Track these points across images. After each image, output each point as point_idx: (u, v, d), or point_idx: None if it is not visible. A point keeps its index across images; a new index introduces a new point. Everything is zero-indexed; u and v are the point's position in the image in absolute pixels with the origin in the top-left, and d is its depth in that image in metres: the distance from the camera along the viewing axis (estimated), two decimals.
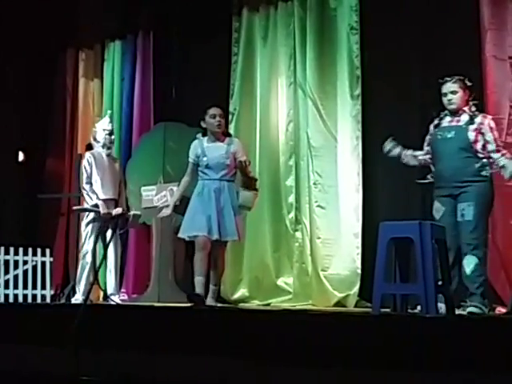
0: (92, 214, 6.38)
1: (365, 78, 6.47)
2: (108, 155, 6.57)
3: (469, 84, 4.89)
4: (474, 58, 5.64)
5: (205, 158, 5.40)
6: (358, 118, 6.45)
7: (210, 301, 5.39)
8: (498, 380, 3.16)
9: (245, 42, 7.29)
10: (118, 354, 4.27)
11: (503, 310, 4.84)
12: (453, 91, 4.89)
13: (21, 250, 7.81)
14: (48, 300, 7.62)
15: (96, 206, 6.36)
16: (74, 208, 6.77)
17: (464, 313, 4.59)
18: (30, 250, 7.85)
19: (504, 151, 4.79)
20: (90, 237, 6.36)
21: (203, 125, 5.49)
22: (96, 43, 8.54)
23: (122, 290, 7.68)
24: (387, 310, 4.55)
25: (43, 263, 7.78)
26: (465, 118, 4.85)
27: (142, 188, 7.33)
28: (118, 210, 6.43)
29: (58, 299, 7.44)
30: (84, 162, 6.52)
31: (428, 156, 5.03)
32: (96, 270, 6.14)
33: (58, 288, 7.81)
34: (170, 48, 8.04)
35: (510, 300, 4.70)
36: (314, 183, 6.60)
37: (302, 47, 6.83)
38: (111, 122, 6.77)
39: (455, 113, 4.88)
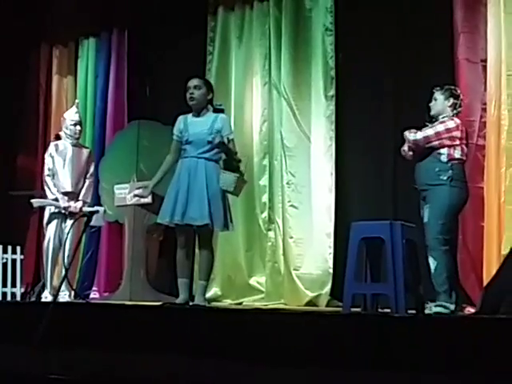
0: (52, 208, 6.31)
1: (339, 78, 6.50)
2: (74, 145, 6.47)
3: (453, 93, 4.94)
4: (447, 60, 5.69)
5: (186, 134, 5.01)
6: (331, 118, 6.48)
7: (198, 299, 5.01)
8: (466, 379, 3.19)
9: (220, 41, 7.28)
10: (87, 352, 4.25)
11: (472, 310, 4.89)
12: (432, 98, 4.95)
13: None
14: (18, 298, 7.54)
15: (56, 199, 6.29)
16: (33, 201, 6.54)
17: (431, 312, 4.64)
18: (1, 247, 7.76)
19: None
20: (51, 231, 6.30)
21: None
22: (70, 40, 8.47)
23: (94, 288, 7.65)
24: (358, 309, 4.58)
25: (14, 261, 7.70)
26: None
27: (115, 186, 7.28)
28: (77, 206, 6.34)
29: (28, 297, 7.36)
30: (46, 155, 6.45)
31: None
32: (66, 267, 6.08)
33: (28, 286, 7.73)
34: (145, 46, 8.00)
35: (479, 300, 4.75)
36: (288, 183, 6.62)
37: (277, 47, 6.84)
38: (78, 112, 6.65)
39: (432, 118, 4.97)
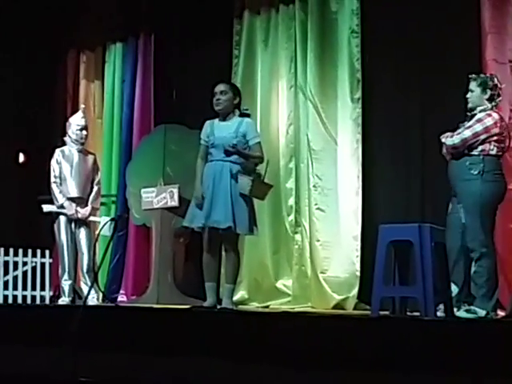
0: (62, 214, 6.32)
1: (365, 81, 6.48)
2: (80, 151, 6.47)
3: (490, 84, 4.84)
4: (475, 61, 5.65)
5: (212, 137, 5.04)
6: (358, 121, 6.46)
7: (226, 302, 5.04)
8: (496, 382, 3.16)
9: (246, 44, 7.30)
10: (116, 355, 4.27)
11: (502, 314, 4.83)
12: (468, 89, 4.87)
13: (20, 251, 7.82)
14: (47, 301, 7.61)
15: (62, 206, 6.29)
16: (44, 206, 6.50)
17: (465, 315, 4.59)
18: (30, 251, 7.86)
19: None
20: (61, 237, 6.32)
21: None
22: (97, 45, 8.54)
23: (121, 291, 7.69)
24: (386, 312, 4.55)
25: (42, 264, 7.79)
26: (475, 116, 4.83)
27: (142, 190, 7.32)
28: (85, 213, 6.35)
29: (57, 300, 7.43)
30: (52, 161, 6.43)
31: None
32: (95, 271, 6.13)
33: (57, 289, 7.79)
34: (171, 50, 8.05)
35: (509, 303, 4.70)
36: (314, 186, 6.60)
37: (303, 50, 6.84)
38: (84, 117, 6.63)
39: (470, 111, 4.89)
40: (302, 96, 6.80)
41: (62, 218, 6.32)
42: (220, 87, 5.12)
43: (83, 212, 6.35)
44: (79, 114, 6.67)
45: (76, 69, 8.72)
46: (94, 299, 6.33)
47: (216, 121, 5.17)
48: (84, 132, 6.49)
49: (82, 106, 7.05)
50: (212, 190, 4.95)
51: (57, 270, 7.97)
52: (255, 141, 5.07)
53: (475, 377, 3.22)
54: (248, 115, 5.18)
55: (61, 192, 6.32)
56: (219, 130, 5.07)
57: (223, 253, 5.18)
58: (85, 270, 6.29)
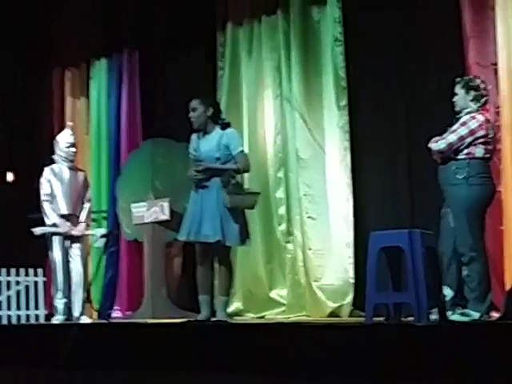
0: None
1: (351, 88, 6.51)
2: (70, 168, 6.45)
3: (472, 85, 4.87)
4: (458, 65, 5.69)
5: (198, 152, 5.06)
6: (345, 128, 6.49)
7: (220, 314, 5.07)
8: None
9: (230, 56, 7.31)
10: (112, 372, 4.26)
11: (496, 316, 4.85)
12: (454, 93, 4.90)
13: (13, 270, 7.78)
14: (42, 320, 7.58)
15: (55, 224, 6.26)
16: (35, 230, 6.41)
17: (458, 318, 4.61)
18: (23, 270, 7.83)
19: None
20: (54, 255, 6.29)
21: None
22: (82, 62, 8.55)
23: (116, 307, 7.68)
24: (381, 318, 4.56)
25: (36, 283, 7.75)
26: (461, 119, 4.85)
27: (132, 205, 7.32)
28: (80, 230, 6.34)
29: (51, 319, 7.40)
30: (42, 179, 6.38)
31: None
32: (87, 288, 6.11)
33: (51, 308, 7.77)
34: (156, 64, 8.06)
35: (503, 305, 4.72)
36: (304, 194, 6.62)
37: (287, 60, 6.86)
38: (72, 134, 6.60)
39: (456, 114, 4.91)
40: (288, 105, 6.83)
41: (56, 237, 6.29)
42: (190, 105, 5.13)
43: (78, 229, 6.33)
44: (67, 131, 6.65)
45: (61, 86, 8.73)
46: (86, 318, 6.29)
47: (201, 134, 5.18)
48: (73, 149, 6.47)
49: (69, 123, 7.03)
50: (201, 205, 4.98)
51: (50, 288, 7.97)
52: (238, 150, 5.08)
53: (471, 380, 3.23)
54: (228, 124, 5.16)
55: (53, 210, 6.30)
56: (203, 144, 5.10)
57: (216, 265, 5.18)
58: (76, 286, 6.25)
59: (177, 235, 5.27)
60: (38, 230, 6.42)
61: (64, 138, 6.51)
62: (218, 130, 5.10)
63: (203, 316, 5.03)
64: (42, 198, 6.36)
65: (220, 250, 5.05)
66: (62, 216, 6.31)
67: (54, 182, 6.36)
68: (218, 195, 4.95)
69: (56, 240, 6.30)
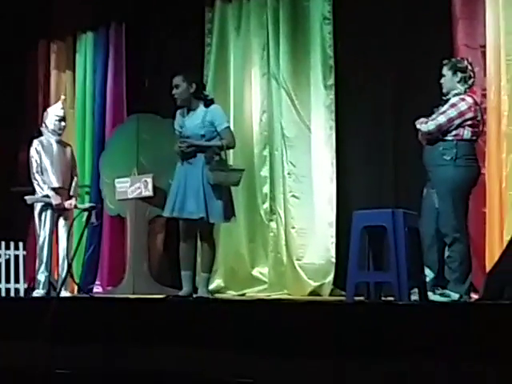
0: (40, 205, 6.22)
1: (338, 67, 6.48)
2: (58, 142, 6.39)
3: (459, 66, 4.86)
4: (447, 46, 5.67)
5: (184, 128, 5.03)
6: (331, 107, 6.47)
7: (201, 291, 5.07)
8: (469, 366, 3.20)
9: (218, 32, 7.26)
10: (92, 346, 4.25)
11: (476, 297, 4.89)
12: (441, 74, 4.89)
13: None
14: (22, 294, 7.56)
15: (47, 196, 6.21)
16: (27, 197, 6.35)
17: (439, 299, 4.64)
18: (3, 243, 7.79)
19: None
20: (43, 228, 6.24)
21: None
22: (68, 35, 8.45)
23: (97, 282, 7.66)
24: (361, 297, 4.58)
25: (16, 257, 7.72)
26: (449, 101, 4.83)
27: (116, 180, 7.28)
28: (71, 203, 6.30)
29: (31, 293, 7.37)
30: (32, 151, 6.30)
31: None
32: (69, 262, 6.08)
33: (31, 281, 7.74)
34: (143, 39, 7.99)
35: (483, 287, 4.75)
36: (289, 173, 6.61)
37: (275, 37, 6.82)
38: (63, 108, 6.53)
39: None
40: (275, 83, 6.79)
41: (47, 209, 6.24)
42: (173, 81, 5.07)
43: (70, 202, 6.29)
44: (59, 104, 6.58)
45: (47, 59, 8.63)
46: (66, 292, 6.26)
47: (186, 110, 5.13)
48: (62, 123, 6.42)
49: (62, 96, 6.93)
50: (185, 181, 4.95)
51: (31, 262, 7.93)
52: (223, 126, 5.04)
53: (450, 360, 3.25)
54: (212, 100, 5.12)
55: (44, 182, 6.24)
56: (188, 121, 5.06)
57: (199, 242, 5.17)
58: (69, 259, 6.22)
59: (160, 211, 5.24)
60: (29, 199, 6.34)
61: (55, 111, 6.46)
62: (202, 107, 5.06)
63: (184, 292, 5.02)
64: (34, 169, 6.27)
65: (203, 227, 5.03)
66: (53, 189, 6.27)
67: (43, 155, 6.31)
68: (202, 172, 4.92)
69: (47, 212, 6.25)
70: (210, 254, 5.09)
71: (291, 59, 6.72)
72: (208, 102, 5.07)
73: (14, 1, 8.38)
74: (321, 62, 6.53)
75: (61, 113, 6.44)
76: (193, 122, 5.03)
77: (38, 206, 6.28)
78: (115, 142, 7.66)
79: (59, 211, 6.26)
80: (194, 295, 5.11)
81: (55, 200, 6.19)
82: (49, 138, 6.38)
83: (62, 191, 6.31)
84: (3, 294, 7.56)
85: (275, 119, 6.79)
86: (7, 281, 7.70)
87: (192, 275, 5.12)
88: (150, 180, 6.95)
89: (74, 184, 6.42)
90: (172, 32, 7.62)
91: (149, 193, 6.95)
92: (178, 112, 5.17)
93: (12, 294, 7.57)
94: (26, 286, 7.69)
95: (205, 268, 5.11)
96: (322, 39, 6.55)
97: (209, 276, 5.19)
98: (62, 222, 6.30)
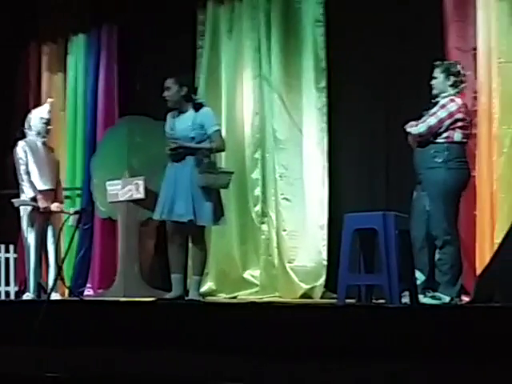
0: (29, 208, 6.15)
1: (330, 70, 6.48)
2: (43, 144, 6.32)
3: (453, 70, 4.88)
4: (438, 49, 5.68)
5: (174, 131, 5.07)
6: (323, 110, 6.47)
7: (192, 294, 5.06)
8: (461, 368, 3.20)
9: (210, 34, 7.24)
10: (83, 349, 4.24)
11: (467, 299, 4.89)
12: (432, 76, 4.91)
13: None
14: (12, 297, 7.53)
15: (34, 199, 6.14)
16: (14, 200, 6.28)
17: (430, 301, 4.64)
18: None
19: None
20: (30, 231, 6.18)
21: None
22: (59, 37, 8.42)
23: (88, 285, 7.63)
24: (352, 300, 4.58)
25: (7, 259, 7.69)
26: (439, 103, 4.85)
27: (107, 182, 7.25)
28: (59, 206, 6.25)
29: (22, 295, 7.34)
30: (19, 152, 6.20)
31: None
32: (59, 265, 6.05)
33: (22, 284, 7.71)
34: (135, 41, 7.98)
35: (474, 289, 4.75)
36: (280, 176, 6.60)
37: (267, 40, 6.81)
38: (50, 111, 6.47)
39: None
40: (267, 86, 6.78)
41: (34, 212, 6.18)
42: (165, 84, 5.13)
43: (57, 205, 6.24)
44: (46, 106, 6.51)
45: (38, 61, 8.60)
46: (56, 295, 6.22)
47: (176, 113, 5.17)
48: (48, 126, 6.36)
49: (49, 99, 6.87)
50: (174, 184, 4.96)
51: (22, 265, 7.90)
52: (213, 129, 5.07)
53: (440, 362, 3.25)
54: (201, 105, 5.15)
55: (32, 184, 6.18)
56: (179, 123, 5.08)
57: (190, 245, 5.16)
58: (52, 263, 6.18)
59: (152, 214, 5.25)
60: (16, 201, 6.27)
61: (41, 113, 6.39)
62: (192, 110, 5.09)
63: (173, 294, 5.04)
64: (21, 171, 6.18)
65: (193, 230, 5.04)
66: (40, 191, 6.21)
67: (29, 156, 6.25)
68: (191, 174, 4.94)
69: (34, 215, 6.19)
70: (200, 256, 5.11)
71: (283, 62, 6.72)
72: (197, 106, 5.10)
73: (5, 3, 8.35)
74: (313, 64, 6.53)
75: (47, 115, 6.37)
76: (183, 124, 5.05)
77: (24, 209, 6.20)
78: (106, 144, 7.64)
79: (46, 214, 6.21)
80: (186, 298, 5.09)
81: (42, 203, 6.14)
82: (35, 139, 6.30)
83: (49, 194, 6.25)
84: None
85: (267, 122, 6.78)
86: None
87: (182, 278, 5.12)
88: (141, 182, 6.93)
89: (59, 188, 6.39)
90: (164, 34, 7.61)
91: (140, 195, 6.94)
92: (169, 114, 5.21)
93: (2, 296, 7.53)
94: (16, 288, 7.65)
95: (196, 271, 5.11)
96: (314, 42, 6.55)
97: (200, 279, 5.20)
98: (49, 225, 6.24)
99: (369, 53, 6.33)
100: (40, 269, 6.27)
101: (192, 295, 5.06)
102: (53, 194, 6.29)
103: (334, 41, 6.49)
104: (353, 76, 6.43)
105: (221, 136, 5.15)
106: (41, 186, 6.21)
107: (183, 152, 4.96)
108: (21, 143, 6.29)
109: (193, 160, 4.96)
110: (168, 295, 5.06)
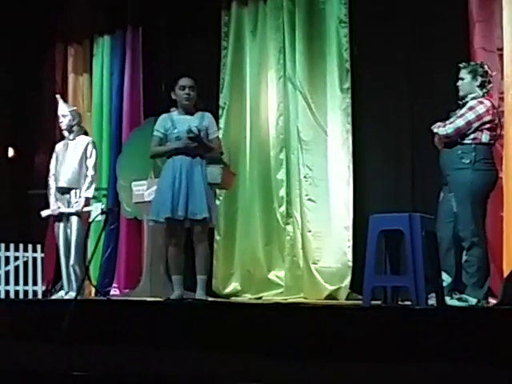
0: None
1: (354, 71, 6.47)
2: (73, 139, 6.39)
3: (480, 71, 4.86)
4: (463, 49, 5.65)
5: (175, 130, 5.09)
6: (347, 111, 6.46)
7: (199, 293, 5.09)
8: (488, 371, 3.18)
9: (234, 35, 7.27)
10: (110, 349, 4.27)
11: (493, 302, 4.86)
12: (459, 78, 4.88)
13: (12, 246, 7.80)
14: (39, 296, 7.61)
15: (56, 200, 6.25)
16: (42, 212, 6.46)
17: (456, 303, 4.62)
18: (21, 245, 7.84)
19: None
20: (58, 236, 6.27)
21: (173, 96, 5.21)
22: (85, 38, 8.50)
23: (114, 284, 7.69)
24: (378, 302, 4.57)
25: (34, 259, 7.77)
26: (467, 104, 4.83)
27: (133, 183, 7.30)
28: (79, 205, 6.21)
29: (49, 295, 7.42)
30: (53, 155, 6.42)
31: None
32: (86, 265, 6.10)
33: (49, 284, 7.79)
34: (160, 42, 8.02)
35: (500, 291, 4.72)
36: (305, 177, 6.61)
37: (292, 41, 6.82)
38: (63, 104, 6.57)
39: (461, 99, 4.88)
40: (292, 86, 6.79)
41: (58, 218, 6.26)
42: (189, 82, 5.19)
43: (78, 205, 6.23)
44: (59, 104, 6.60)
45: (64, 62, 8.68)
46: (70, 294, 6.18)
47: (175, 114, 5.24)
48: (67, 118, 6.41)
49: (56, 96, 6.92)
50: (186, 182, 5.00)
51: (49, 264, 7.98)
52: (215, 134, 5.22)
53: (466, 364, 3.24)
54: (204, 109, 5.28)
55: (51, 187, 6.27)
56: (181, 123, 5.12)
57: (194, 244, 5.13)
58: (72, 262, 6.18)
59: (156, 214, 5.19)
60: (44, 213, 6.43)
61: (60, 112, 6.52)
62: (197, 112, 5.20)
63: (175, 295, 5.08)
64: (50, 174, 6.38)
65: (200, 228, 5.06)
66: (60, 189, 6.26)
67: (59, 158, 6.36)
68: (203, 173, 5.04)
69: (56, 216, 6.27)
70: (206, 255, 5.17)
71: (307, 62, 6.72)
72: (200, 110, 5.24)
73: (31, 4, 8.44)
74: (337, 65, 6.53)
75: (60, 111, 6.47)
76: (189, 124, 5.08)
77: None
78: (132, 144, 7.68)
79: (64, 216, 6.24)
80: (201, 297, 5.10)
81: (52, 205, 6.24)
82: (66, 139, 6.42)
83: (68, 191, 6.26)
84: (21, 296, 7.61)
85: (291, 122, 6.79)
86: (25, 283, 7.75)
87: (182, 278, 5.14)
88: None
89: (86, 183, 6.29)
90: (188, 35, 7.65)
91: None
92: (165, 116, 5.26)
93: (30, 296, 7.62)
94: (43, 288, 7.73)
95: (202, 270, 5.13)
96: (338, 42, 6.54)
97: (206, 278, 5.21)
98: (74, 223, 6.24)
99: (393, 53, 6.31)
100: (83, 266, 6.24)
101: (199, 295, 5.08)
102: (73, 191, 6.31)
103: (359, 41, 6.47)
104: (377, 77, 6.41)
105: (220, 142, 5.31)
106: (60, 184, 6.27)
107: (192, 148, 5.00)
108: (56, 146, 6.43)
109: (199, 160, 5.06)
110: (171, 296, 5.10)
